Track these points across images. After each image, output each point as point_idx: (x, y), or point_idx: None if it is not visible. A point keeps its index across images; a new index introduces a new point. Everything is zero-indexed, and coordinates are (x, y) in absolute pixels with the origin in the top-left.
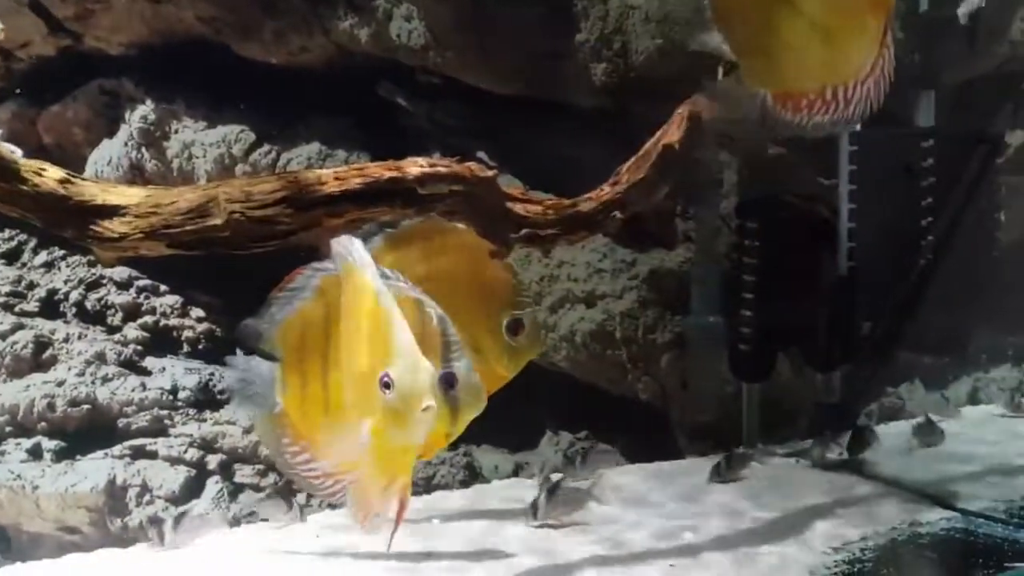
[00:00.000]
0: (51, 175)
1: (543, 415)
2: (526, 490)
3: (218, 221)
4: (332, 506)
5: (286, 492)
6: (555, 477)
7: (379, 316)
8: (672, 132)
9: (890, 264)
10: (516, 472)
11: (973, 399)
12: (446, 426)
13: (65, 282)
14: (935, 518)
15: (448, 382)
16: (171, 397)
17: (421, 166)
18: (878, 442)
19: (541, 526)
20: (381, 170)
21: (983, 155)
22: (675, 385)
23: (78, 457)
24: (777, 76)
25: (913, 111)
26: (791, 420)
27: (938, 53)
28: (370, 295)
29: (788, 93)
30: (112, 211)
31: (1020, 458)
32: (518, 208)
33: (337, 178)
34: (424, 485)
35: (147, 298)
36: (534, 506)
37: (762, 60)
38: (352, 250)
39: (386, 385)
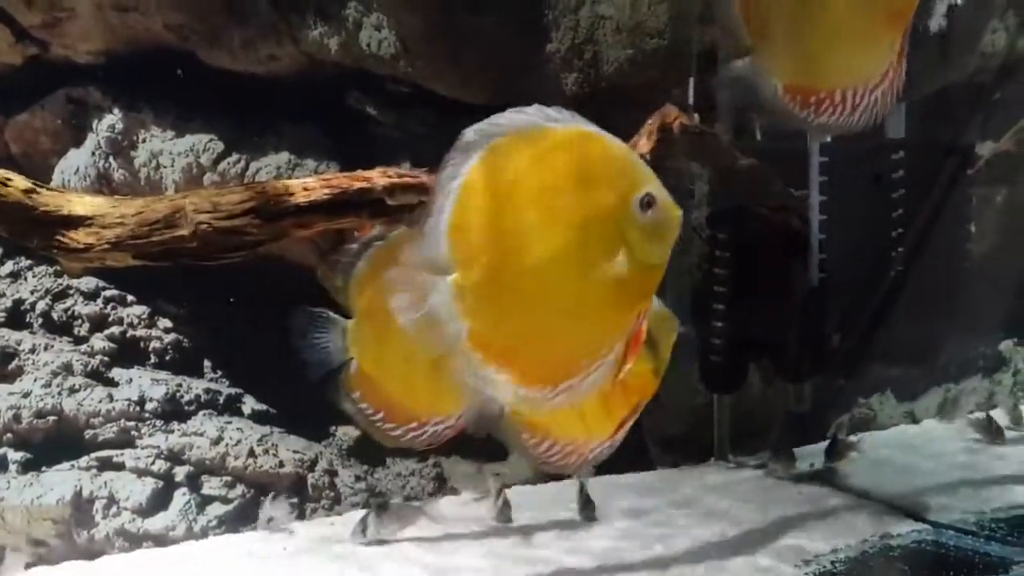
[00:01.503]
0: (17, 185)
1: None
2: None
3: (185, 232)
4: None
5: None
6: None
7: (609, 150)
8: (643, 143)
9: (861, 275)
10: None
11: (943, 410)
12: (649, 362)
13: (31, 292)
14: (906, 530)
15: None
16: (138, 408)
17: (390, 176)
18: (856, 452)
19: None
20: (349, 180)
21: (954, 166)
22: None
23: (44, 469)
24: (791, 67)
25: (883, 122)
26: (763, 431)
27: (909, 64)
28: (583, 136)
29: (798, 87)
30: (78, 222)
31: (990, 470)
32: None
33: (305, 188)
34: (398, 494)
35: (114, 308)
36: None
37: (780, 48)
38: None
39: (648, 204)
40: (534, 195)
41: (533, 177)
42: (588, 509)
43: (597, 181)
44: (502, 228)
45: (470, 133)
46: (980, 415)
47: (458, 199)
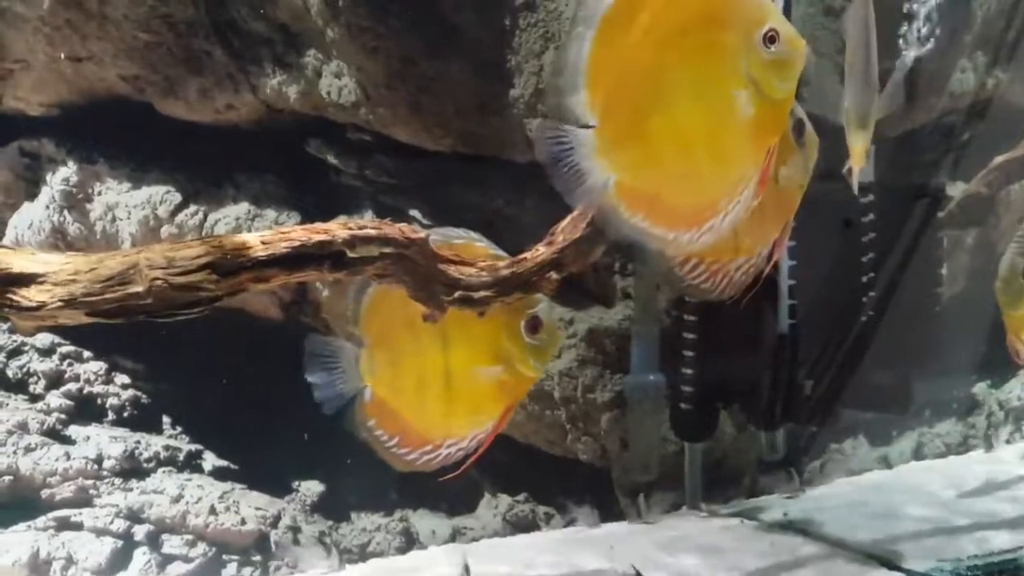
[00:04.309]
0: None
1: (481, 477)
2: (463, 556)
3: (139, 288)
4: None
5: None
6: None
7: None
8: None
9: (832, 320)
10: (454, 537)
11: (918, 455)
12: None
13: None
14: None
15: None
16: (96, 466)
17: (350, 228)
18: None
19: None
20: (308, 233)
21: (924, 209)
22: (616, 445)
23: (0, 530)
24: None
25: None
26: (735, 479)
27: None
28: None
29: None
30: (30, 279)
31: (966, 516)
32: (451, 270)
33: (263, 242)
34: (359, 552)
35: (70, 365)
36: None
37: None
38: None
39: (771, 39)
40: (663, 43)
41: (661, 24)
42: None
43: (722, 21)
44: (636, 77)
45: None
46: None
47: (591, 51)
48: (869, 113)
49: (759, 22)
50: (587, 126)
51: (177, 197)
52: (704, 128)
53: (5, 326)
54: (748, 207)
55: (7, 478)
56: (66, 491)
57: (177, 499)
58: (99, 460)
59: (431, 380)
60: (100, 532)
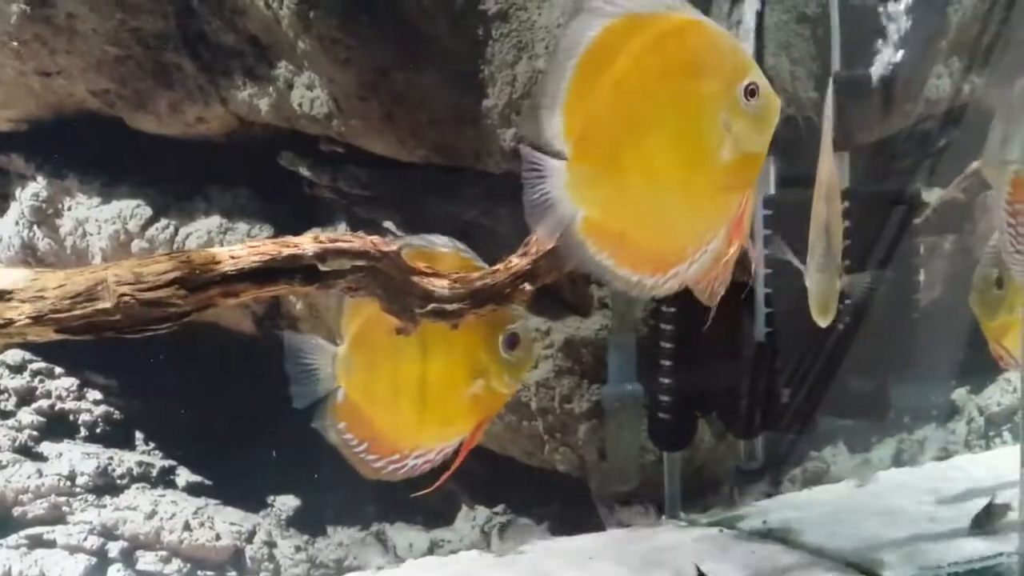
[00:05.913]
0: None
1: (458, 489)
2: (443, 568)
3: (107, 305)
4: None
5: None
6: None
7: (716, 39)
8: None
9: (809, 328)
10: (431, 550)
11: (897, 461)
12: None
13: None
14: None
15: None
16: (69, 483)
17: (321, 242)
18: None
19: None
20: (278, 247)
21: (900, 215)
22: (594, 455)
23: None
24: None
25: None
26: (714, 487)
27: (852, 113)
28: (692, 25)
29: None
30: None
31: (946, 523)
32: (424, 282)
33: (232, 257)
34: (336, 568)
35: (42, 381)
36: None
37: None
38: None
39: (752, 92)
40: (644, 82)
41: (642, 66)
42: None
43: (704, 70)
44: (614, 114)
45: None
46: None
47: (572, 80)
48: (831, 300)
49: (741, 74)
50: (561, 157)
51: (147, 211)
52: (678, 174)
53: None
54: (716, 256)
55: None
56: (39, 508)
57: (151, 515)
58: (72, 477)
59: (406, 388)
60: (74, 549)
